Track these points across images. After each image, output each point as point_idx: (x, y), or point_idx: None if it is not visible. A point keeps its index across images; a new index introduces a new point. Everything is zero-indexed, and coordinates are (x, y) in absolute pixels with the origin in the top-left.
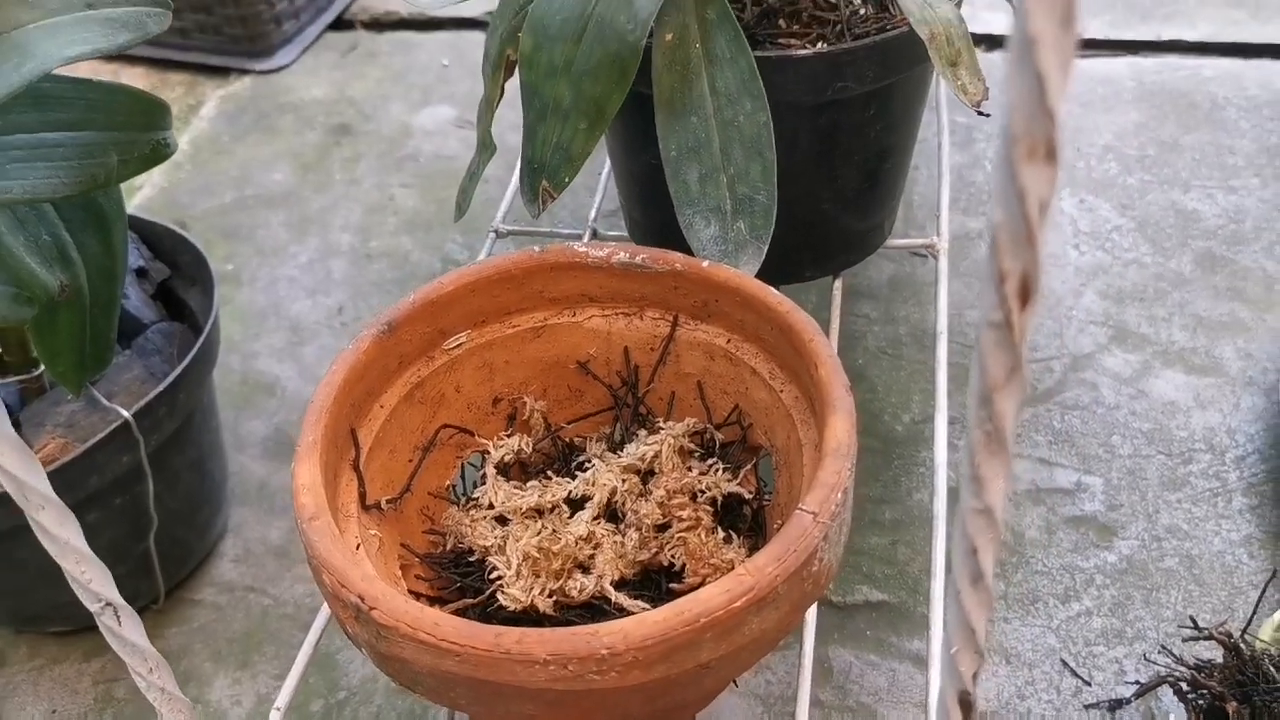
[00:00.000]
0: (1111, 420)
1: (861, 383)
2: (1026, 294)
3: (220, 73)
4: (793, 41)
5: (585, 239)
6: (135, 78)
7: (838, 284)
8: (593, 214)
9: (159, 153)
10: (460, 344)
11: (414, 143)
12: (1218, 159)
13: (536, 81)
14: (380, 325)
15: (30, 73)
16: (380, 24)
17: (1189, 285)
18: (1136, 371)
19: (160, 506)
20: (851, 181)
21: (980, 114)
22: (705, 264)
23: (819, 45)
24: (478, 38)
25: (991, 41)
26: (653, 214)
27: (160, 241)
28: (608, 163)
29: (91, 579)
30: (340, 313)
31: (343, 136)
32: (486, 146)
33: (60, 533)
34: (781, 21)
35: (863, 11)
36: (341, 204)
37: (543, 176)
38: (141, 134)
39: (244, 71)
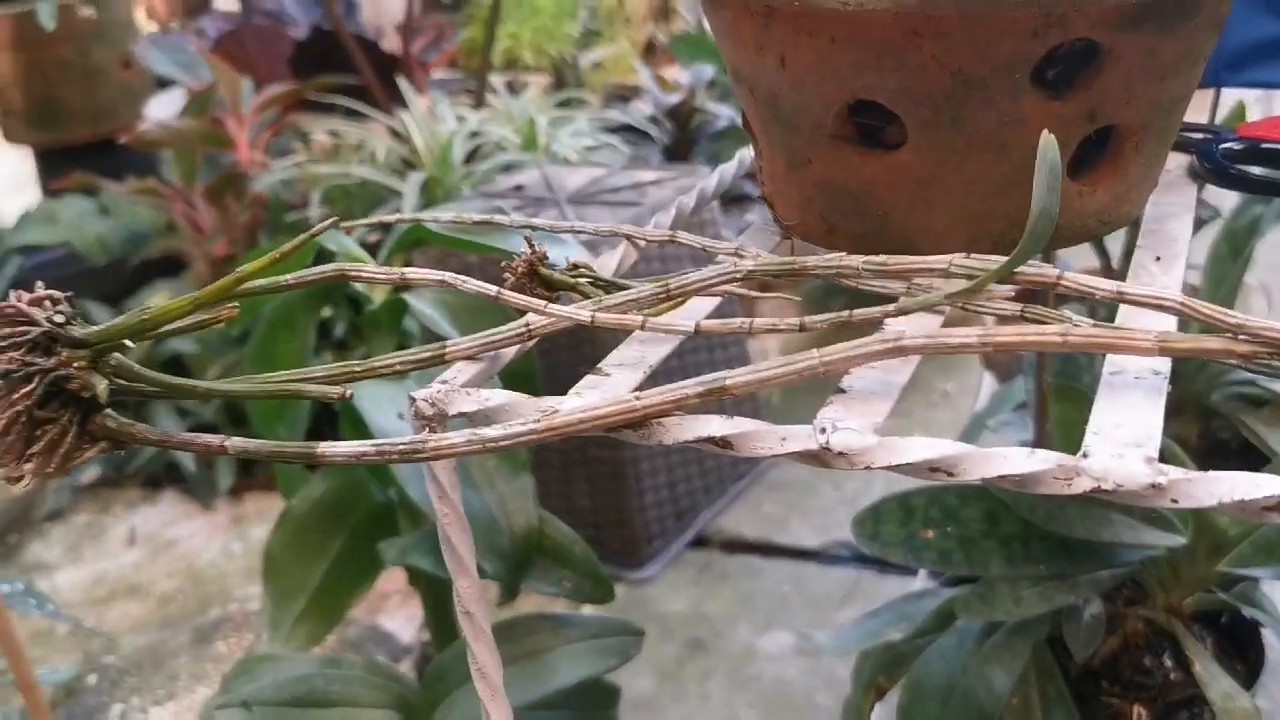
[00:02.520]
0: None
1: None
2: None
3: None
4: (1113, 701)
5: None
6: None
7: None
8: None
9: None
10: None
11: (757, 665)
12: None
13: None
14: None
15: (554, 686)
16: (732, 545)
17: None
18: None
19: None
20: None
21: None
22: None
23: (1137, 713)
24: (814, 570)
25: None
26: None
27: None
28: None
29: None
30: None
31: (697, 650)
32: None
33: None
34: (1104, 682)
35: (1173, 677)
36: (695, 717)
37: None
38: (599, 713)
39: (617, 579)
